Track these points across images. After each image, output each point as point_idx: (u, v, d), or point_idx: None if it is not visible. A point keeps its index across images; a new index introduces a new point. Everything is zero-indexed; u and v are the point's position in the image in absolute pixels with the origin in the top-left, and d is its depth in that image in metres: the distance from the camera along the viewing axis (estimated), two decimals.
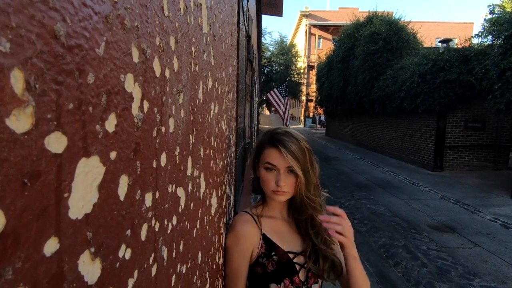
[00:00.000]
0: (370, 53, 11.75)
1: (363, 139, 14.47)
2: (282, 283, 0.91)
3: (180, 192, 0.41)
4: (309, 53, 30.50)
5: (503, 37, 6.08)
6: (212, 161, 0.70)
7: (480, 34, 8.05)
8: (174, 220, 0.39)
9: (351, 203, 5.90)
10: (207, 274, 0.67)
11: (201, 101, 0.53)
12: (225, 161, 1.01)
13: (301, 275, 0.94)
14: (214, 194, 0.75)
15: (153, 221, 0.30)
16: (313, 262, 0.96)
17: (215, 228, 0.78)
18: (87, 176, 0.18)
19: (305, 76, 29.09)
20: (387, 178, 8.04)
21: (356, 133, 15.48)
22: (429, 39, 15.55)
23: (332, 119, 20.10)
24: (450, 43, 9.71)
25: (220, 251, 0.91)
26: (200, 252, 0.58)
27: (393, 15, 12.71)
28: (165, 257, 0.35)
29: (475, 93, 7.87)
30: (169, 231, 0.36)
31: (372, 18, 13.14)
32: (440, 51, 9.00)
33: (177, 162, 0.39)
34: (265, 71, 25.81)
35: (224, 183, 1.00)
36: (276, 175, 0.93)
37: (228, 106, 1.10)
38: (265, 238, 0.97)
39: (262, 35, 19.74)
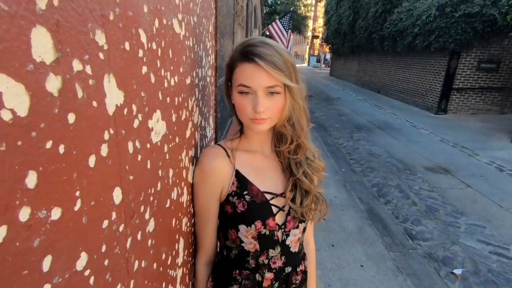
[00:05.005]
0: None
1: (368, 80, 13.87)
2: (253, 225, 0.79)
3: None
4: None
5: None
6: (145, 67, 0.49)
7: None
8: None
9: (349, 143, 5.83)
10: (147, 215, 0.53)
11: None
12: (188, 81, 0.80)
13: (278, 218, 0.81)
14: (157, 116, 0.56)
15: None
16: (292, 199, 0.82)
17: (164, 160, 0.62)
18: None
19: (313, 9, 26.63)
20: (388, 120, 7.87)
21: (362, 73, 14.77)
22: None
23: (337, 57, 19.01)
24: None
25: (183, 187, 0.77)
26: (118, 188, 0.42)
27: None
28: None
29: (496, 29, 7.16)
30: None
31: None
32: None
33: None
34: (269, 1, 23.49)
35: (187, 108, 0.81)
36: (253, 99, 0.73)
37: (194, 9, 0.84)
38: (238, 174, 0.82)
39: None
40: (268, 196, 0.81)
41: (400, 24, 9.52)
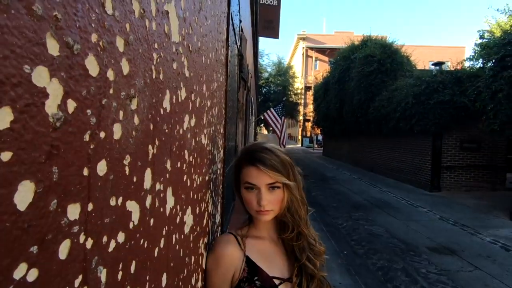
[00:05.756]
0: (365, 75, 12.00)
1: (361, 159, 14.46)
2: None
3: (132, 206, 0.38)
4: (306, 74, 31.15)
5: (493, 60, 6.25)
6: (185, 176, 0.66)
7: (471, 57, 8.29)
8: (121, 237, 0.35)
9: (349, 223, 5.78)
10: None
11: (167, 111, 0.51)
12: (207, 177, 0.97)
13: None
14: (188, 211, 0.71)
15: (82, 237, 0.27)
16: (299, 284, 0.90)
17: (190, 248, 0.73)
18: None
19: (302, 96, 29.53)
20: (385, 199, 7.95)
21: (353, 152, 15.50)
22: (422, 62, 15.96)
23: (329, 138, 20.19)
24: (442, 65, 9.95)
25: (198, 273, 0.86)
26: (165, 274, 0.53)
27: (387, 39, 13.11)
28: (103, 279, 0.31)
29: (469, 114, 7.96)
30: (111, 249, 0.32)
31: (367, 41, 13.54)
32: (433, 73, 9.20)
33: (127, 172, 0.36)
34: (263, 91, 26.18)
35: (206, 201, 0.96)
36: (257, 194, 0.89)
37: (212, 121, 1.08)
38: (248, 261, 0.91)
39: (260, 56, 20.18)
40: (276, 281, 0.89)
41: (383, 110, 10.53)
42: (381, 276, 3.71)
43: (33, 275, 0.21)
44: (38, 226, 0.21)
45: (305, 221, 0.95)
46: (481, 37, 7.99)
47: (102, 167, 0.30)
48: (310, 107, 25.38)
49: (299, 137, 34.22)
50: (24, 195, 0.20)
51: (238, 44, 2.31)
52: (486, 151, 8.55)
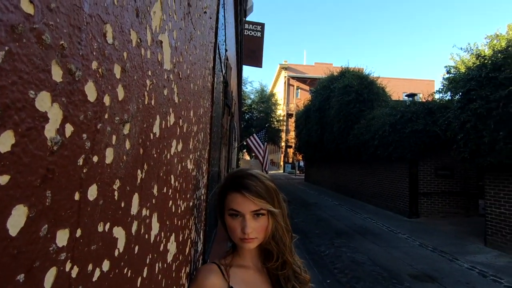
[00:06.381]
0: (344, 104, 12.53)
1: (342, 185, 14.65)
2: None
3: (118, 232, 0.37)
4: (288, 102, 32.08)
5: (460, 93, 6.73)
6: (171, 201, 0.65)
7: (440, 90, 8.92)
8: (106, 265, 0.34)
9: (331, 251, 5.72)
10: None
11: (156, 136, 0.51)
12: (191, 203, 0.96)
13: None
14: (172, 238, 0.69)
15: (68, 265, 0.26)
16: None
17: (172, 278, 0.70)
18: None
19: (285, 123, 30.15)
20: (366, 225, 8.00)
21: (335, 179, 15.71)
22: (396, 93, 16.93)
23: (311, 165, 20.45)
24: (415, 97, 10.60)
25: None
26: None
27: (364, 71, 13.92)
28: None
29: (442, 142, 8.39)
30: (95, 279, 0.31)
31: (345, 72, 14.30)
32: (407, 103, 9.76)
33: (116, 197, 0.35)
34: (246, 117, 26.55)
35: (189, 227, 0.93)
36: (242, 221, 0.88)
37: (198, 146, 1.08)
38: None
39: (243, 84, 20.69)
40: None
41: (362, 137, 10.92)
42: None
43: None
44: (27, 253, 0.21)
45: (290, 249, 0.94)
46: (448, 72, 8.68)
47: (92, 192, 0.29)
48: (292, 134, 25.87)
49: (281, 163, 34.44)
50: (17, 219, 0.20)
51: (224, 71, 2.37)
52: (459, 178, 8.94)
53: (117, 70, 0.33)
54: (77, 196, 0.27)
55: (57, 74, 0.23)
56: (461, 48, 7.86)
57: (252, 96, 27.51)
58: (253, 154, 13.02)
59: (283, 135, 30.00)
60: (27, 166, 0.20)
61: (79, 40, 0.25)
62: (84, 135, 0.27)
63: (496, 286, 4.28)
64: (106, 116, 0.31)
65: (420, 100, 10.32)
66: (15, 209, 0.19)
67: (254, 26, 10.26)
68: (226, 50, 2.46)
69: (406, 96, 11.39)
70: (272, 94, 28.70)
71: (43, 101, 0.21)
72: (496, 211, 6.05)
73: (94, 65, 0.28)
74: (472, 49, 7.40)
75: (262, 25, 10.41)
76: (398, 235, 7.00)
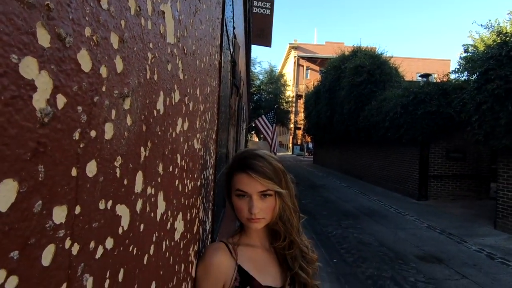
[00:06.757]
0: (355, 85, 12.21)
1: (350, 167, 14.59)
2: None
3: (122, 210, 0.36)
4: (298, 82, 31.50)
5: (477, 73, 6.46)
6: (177, 181, 0.64)
7: (456, 70, 8.55)
8: (109, 243, 0.33)
9: (338, 232, 5.79)
10: None
11: (161, 113, 0.49)
12: (199, 183, 0.95)
13: None
14: (179, 217, 0.69)
15: (67, 242, 0.25)
16: None
17: (180, 256, 0.71)
18: None
19: (294, 104, 29.79)
20: (374, 207, 8.02)
21: (343, 161, 15.64)
22: (410, 74, 16.40)
23: (319, 146, 20.34)
24: (429, 77, 10.24)
25: (188, 282, 0.83)
26: (154, 283, 0.51)
27: (376, 50, 13.43)
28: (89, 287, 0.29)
29: (455, 124, 8.17)
30: (98, 256, 0.31)
31: (357, 52, 13.83)
32: (421, 84, 9.45)
33: (117, 175, 0.34)
34: (255, 98, 26.30)
35: (197, 207, 0.94)
36: (249, 202, 0.87)
37: (205, 126, 1.07)
38: (240, 269, 0.89)
39: (252, 64, 20.33)
40: None
41: (372, 119, 10.71)
42: (371, 285, 3.70)
43: (12, 283, 0.19)
44: (20, 229, 0.20)
45: (297, 229, 0.94)
46: (466, 51, 8.27)
47: (91, 168, 0.28)
48: (301, 115, 25.61)
49: (290, 145, 34.39)
50: (6, 195, 0.18)
51: (232, 50, 2.31)
52: (471, 161, 8.77)
53: (114, 39, 0.31)
54: (74, 172, 0.25)
55: (43, 38, 0.21)
56: (481, 25, 7.43)
57: (261, 77, 27.10)
58: (262, 136, 13.00)
59: (292, 116, 29.73)
60: (13, 138, 0.19)
61: (69, 2, 0.23)
62: (79, 108, 0.26)
63: (504, 268, 4.28)
64: (103, 89, 0.30)
65: (435, 81, 9.96)
66: (3, 183, 0.18)
67: (263, 3, 9.92)
68: (234, 28, 2.39)
69: (419, 76, 11.01)
70: (281, 75, 28.21)
71: (28, 67, 0.19)
72: (508, 194, 5.95)
73: (88, 31, 0.26)
74: (493, 26, 7.00)
75: (271, 2, 10.06)
76: (406, 217, 7.01)
